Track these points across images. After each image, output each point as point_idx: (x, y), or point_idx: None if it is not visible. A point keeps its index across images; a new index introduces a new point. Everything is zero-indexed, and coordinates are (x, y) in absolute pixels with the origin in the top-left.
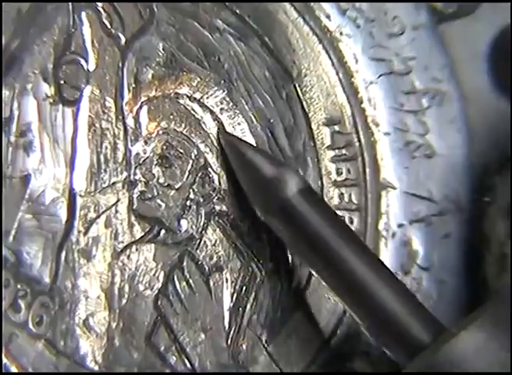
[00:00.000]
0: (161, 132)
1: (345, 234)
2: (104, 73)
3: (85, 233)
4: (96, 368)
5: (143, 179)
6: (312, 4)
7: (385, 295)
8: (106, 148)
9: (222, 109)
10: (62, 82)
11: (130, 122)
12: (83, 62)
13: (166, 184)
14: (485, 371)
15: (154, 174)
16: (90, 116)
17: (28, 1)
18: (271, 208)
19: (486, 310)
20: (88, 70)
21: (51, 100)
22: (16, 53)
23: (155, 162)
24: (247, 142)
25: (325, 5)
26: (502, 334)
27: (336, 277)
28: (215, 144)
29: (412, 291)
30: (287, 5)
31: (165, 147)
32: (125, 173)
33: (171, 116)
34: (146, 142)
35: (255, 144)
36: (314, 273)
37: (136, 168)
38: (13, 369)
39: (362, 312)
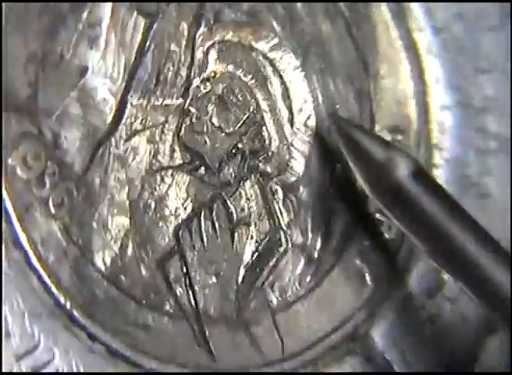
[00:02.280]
0: (226, 75)
1: (459, 215)
2: None
3: (126, 141)
4: (103, 268)
5: (196, 112)
6: (407, 11)
7: (504, 278)
8: (168, 69)
9: (291, 78)
10: None
11: (199, 54)
12: None
13: (218, 125)
14: None
15: (208, 111)
16: (161, 34)
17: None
18: (383, 191)
19: None
20: None
21: (128, 5)
22: None
23: (212, 101)
24: (357, 125)
25: (419, 16)
26: None
27: (453, 261)
28: (275, 107)
29: None
30: (384, 4)
31: (226, 90)
32: (180, 100)
33: (240, 64)
34: (208, 79)
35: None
36: (427, 254)
37: (192, 99)
38: (23, 240)
39: (479, 293)
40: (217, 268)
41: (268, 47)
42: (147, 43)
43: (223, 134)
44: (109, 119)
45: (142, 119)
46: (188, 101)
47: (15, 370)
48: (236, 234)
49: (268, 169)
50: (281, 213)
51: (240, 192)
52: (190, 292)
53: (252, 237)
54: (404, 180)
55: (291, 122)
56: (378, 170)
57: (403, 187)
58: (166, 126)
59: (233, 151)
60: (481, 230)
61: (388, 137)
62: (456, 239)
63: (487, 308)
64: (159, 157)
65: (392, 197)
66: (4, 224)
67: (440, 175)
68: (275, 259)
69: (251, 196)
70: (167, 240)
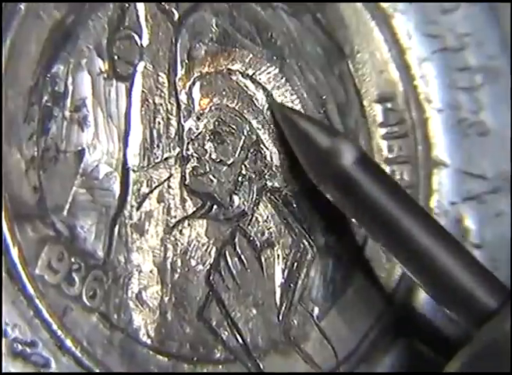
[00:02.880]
0: (213, 108)
1: (404, 201)
2: (157, 49)
3: (138, 208)
4: (149, 341)
5: (195, 154)
6: None
7: (450, 261)
8: (159, 123)
9: (274, 86)
10: (115, 57)
11: (183, 97)
12: (136, 37)
13: (218, 160)
14: None
15: (206, 150)
16: (143, 91)
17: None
18: (328, 178)
19: None
20: (142, 46)
21: (105, 75)
22: (71, 28)
23: (208, 138)
24: (301, 113)
25: None
26: None
27: (399, 245)
28: (267, 121)
29: None
30: None
31: (217, 123)
32: (177, 149)
33: (223, 92)
34: (198, 118)
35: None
36: (374, 240)
37: (188, 144)
38: (68, 342)
39: (426, 278)
40: (254, 298)
41: (244, 65)
42: (133, 105)
43: (226, 167)
44: (117, 193)
45: (147, 181)
46: (185, 147)
47: None
48: (263, 259)
49: (276, 184)
50: (299, 221)
51: (257, 217)
52: (235, 331)
53: (279, 256)
54: (349, 167)
55: None
56: (323, 158)
57: (348, 174)
58: (171, 179)
59: (239, 179)
60: (424, 214)
61: (379, 109)
62: (401, 223)
63: (430, 289)
64: (173, 212)
65: (337, 184)
66: (47, 334)
67: (437, 127)
68: (305, 269)
69: (268, 217)
70: (201, 289)
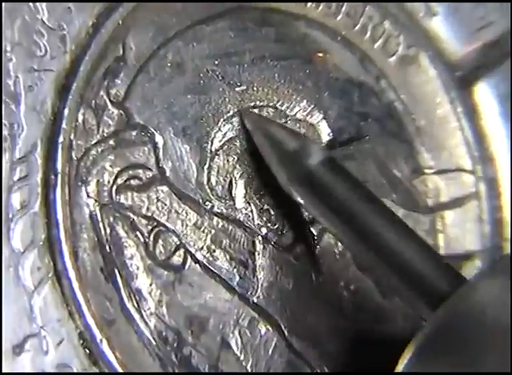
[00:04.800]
0: None
1: (368, 200)
2: None
3: None
4: None
5: None
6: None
7: (411, 253)
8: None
9: None
10: None
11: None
12: None
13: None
14: (505, 316)
15: None
16: None
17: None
18: (294, 179)
19: (502, 262)
20: None
21: None
22: None
23: None
24: (269, 120)
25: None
26: None
27: (363, 242)
28: None
29: None
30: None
31: None
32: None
33: None
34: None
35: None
36: (337, 238)
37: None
38: None
39: (386, 269)
40: None
41: None
42: None
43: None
44: None
45: None
46: None
47: None
48: None
49: None
50: None
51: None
52: None
53: None
54: (316, 167)
55: None
56: (291, 159)
57: (314, 174)
58: None
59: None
60: (389, 212)
61: None
62: (366, 222)
63: (390, 278)
64: None
65: (304, 184)
66: None
67: None
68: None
69: None
70: None
